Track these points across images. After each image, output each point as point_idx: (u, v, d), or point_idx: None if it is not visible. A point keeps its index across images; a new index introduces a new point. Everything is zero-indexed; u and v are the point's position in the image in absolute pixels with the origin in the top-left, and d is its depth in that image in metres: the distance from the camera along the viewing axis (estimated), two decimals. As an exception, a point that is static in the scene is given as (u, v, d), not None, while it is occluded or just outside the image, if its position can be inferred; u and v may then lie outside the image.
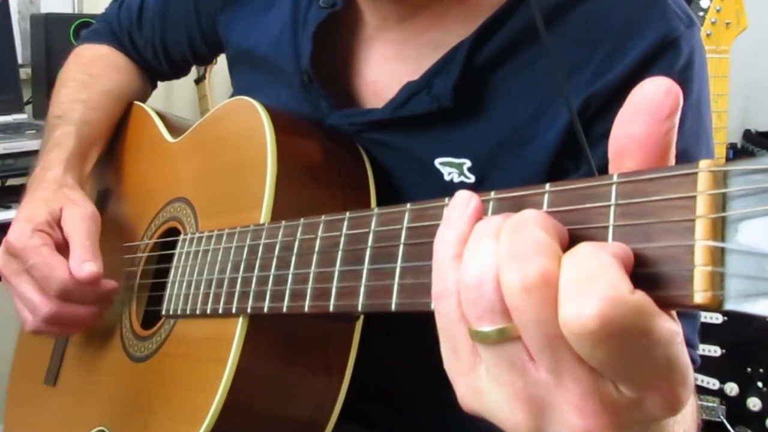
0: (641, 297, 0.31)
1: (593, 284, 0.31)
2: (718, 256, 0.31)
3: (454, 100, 0.70)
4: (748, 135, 2.55)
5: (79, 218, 0.80)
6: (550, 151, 0.69)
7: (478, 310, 0.35)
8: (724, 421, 1.93)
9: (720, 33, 2.00)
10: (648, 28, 0.67)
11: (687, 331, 0.69)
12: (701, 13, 2.00)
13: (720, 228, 0.31)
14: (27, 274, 0.77)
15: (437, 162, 0.72)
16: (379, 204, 0.73)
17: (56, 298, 0.76)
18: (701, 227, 0.31)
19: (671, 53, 0.68)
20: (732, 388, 1.95)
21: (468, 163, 0.72)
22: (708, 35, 1.99)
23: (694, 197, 0.32)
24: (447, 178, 0.72)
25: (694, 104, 0.70)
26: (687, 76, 0.69)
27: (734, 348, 1.94)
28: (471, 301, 0.35)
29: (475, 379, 0.37)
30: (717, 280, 0.31)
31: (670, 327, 0.32)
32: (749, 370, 1.94)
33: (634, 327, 0.31)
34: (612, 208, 0.34)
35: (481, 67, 0.71)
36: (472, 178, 0.72)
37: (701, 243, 0.31)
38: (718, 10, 2.00)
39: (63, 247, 0.79)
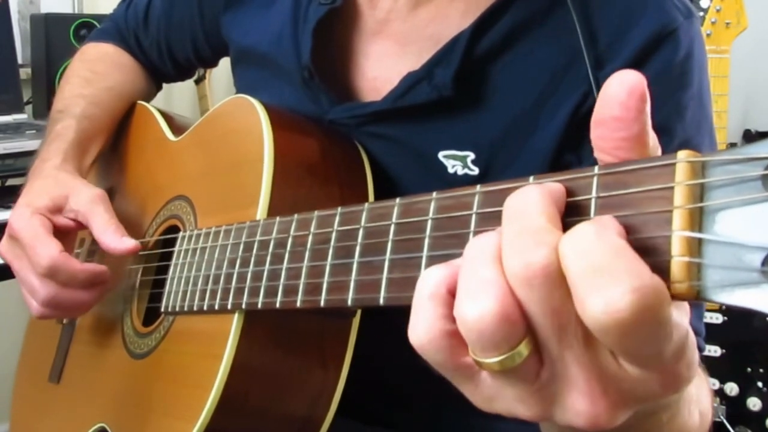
0: (658, 279, 0.31)
1: (615, 274, 0.30)
2: (696, 247, 0.31)
3: (454, 89, 0.70)
4: (748, 135, 2.54)
5: (94, 200, 0.81)
6: (552, 142, 0.70)
7: (480, 345, 0.33)
8: (724, 421, 1.93)
9: (720, 33, 2.00)
10: (645, 20, 0.68)
11: (693, 318, 0.70)
12: (701, 13, 2.00)
13: (698, 218, 0.31)
14: (27, 258, 0.78)
15: (441, 155, 0.72)
16: (380, 200, 0.73)
17: (48, 280, 0.77)
18: (679, 218, 0.31)
19: (670, 45, 0.68)
20: (732, 388, 1.95)
21: (472, 156, 0.72)
22: (708, 35, 1.99)
23: (672, 188, 0.32)
24: (451, 170, 0.72)
25: (695, 95, 0.70)
26: (687, 67, 0.69)
27: (734, 348, 1.94)
28: (473, 340, 0.34)
29: (479, 389, 0.37)
30: (694, 271, 0.31)
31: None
32: (749, 370, 1.94)
33: (662, 312, 0.31)
34: (593, 201, 0.35)
35: (481, 57, 0.71)
36: (476, 171, 0.72)
37: (679, 234, 0.31)
38: (718, 10, 2.00)
39: (64, 233, 0.80)
